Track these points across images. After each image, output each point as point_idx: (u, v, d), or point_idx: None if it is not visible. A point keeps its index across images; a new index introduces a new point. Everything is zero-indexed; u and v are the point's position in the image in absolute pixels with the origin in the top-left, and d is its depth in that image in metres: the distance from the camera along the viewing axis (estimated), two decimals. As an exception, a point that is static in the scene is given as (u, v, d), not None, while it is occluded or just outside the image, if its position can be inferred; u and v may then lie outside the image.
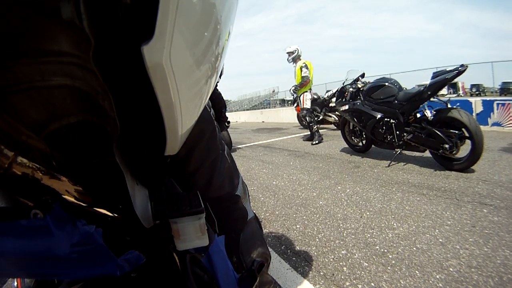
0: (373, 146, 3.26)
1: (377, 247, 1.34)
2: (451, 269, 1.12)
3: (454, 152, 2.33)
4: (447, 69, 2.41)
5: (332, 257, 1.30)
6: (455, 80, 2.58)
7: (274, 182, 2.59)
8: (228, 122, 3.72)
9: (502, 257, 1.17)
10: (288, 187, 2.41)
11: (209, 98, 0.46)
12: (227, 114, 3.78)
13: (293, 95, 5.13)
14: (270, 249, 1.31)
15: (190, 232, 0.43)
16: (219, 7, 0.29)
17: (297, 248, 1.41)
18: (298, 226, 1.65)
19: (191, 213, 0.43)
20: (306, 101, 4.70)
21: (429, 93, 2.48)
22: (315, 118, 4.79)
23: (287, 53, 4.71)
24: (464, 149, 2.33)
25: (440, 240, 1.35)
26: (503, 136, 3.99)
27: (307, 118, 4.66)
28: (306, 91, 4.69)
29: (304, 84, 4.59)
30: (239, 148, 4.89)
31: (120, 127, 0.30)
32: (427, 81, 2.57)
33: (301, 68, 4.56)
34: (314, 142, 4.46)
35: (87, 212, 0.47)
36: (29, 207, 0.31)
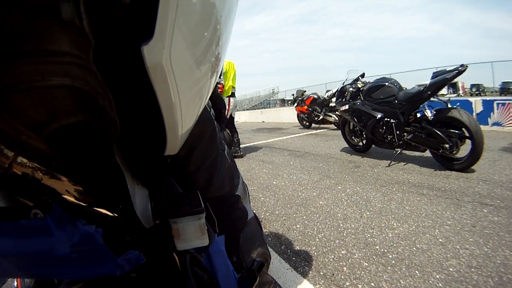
0: (373, 146, 3.26)
1: (377, 247, 1.34)
2: (451, 269, 1.12)
3: (454, 152, 2.32)
4: (447, 69, 2.41)
5: (332, 257, 1.30)
6: (455, 80, 2.58)
7: (274, 182, 2.59)
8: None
9: (502, 257, 1.17)
10: (288, 187, 2.41)
11: (209, 98, 0.46)
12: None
13: (293, 95, 4.95)
14: (270, 249, 1.31)
15: (190, 232, 0.43)
16: (219, 7, 0.29)
17: (297, 248, 1.41)
18: (298, 226, 1.65)
19: (191, 213, 0.43)
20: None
21: (429, 93, 2.48)
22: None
23: None
24: (464, 149, 2.33)
25: (440, 240, 1.35)
26: (503, 136, 3.99)
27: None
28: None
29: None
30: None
31: (120, 127, 0.30)
32: (427, 81, 2.57)
33: None
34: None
35: (87, 212, 0.47)
36: (29, 207, 0.31)
